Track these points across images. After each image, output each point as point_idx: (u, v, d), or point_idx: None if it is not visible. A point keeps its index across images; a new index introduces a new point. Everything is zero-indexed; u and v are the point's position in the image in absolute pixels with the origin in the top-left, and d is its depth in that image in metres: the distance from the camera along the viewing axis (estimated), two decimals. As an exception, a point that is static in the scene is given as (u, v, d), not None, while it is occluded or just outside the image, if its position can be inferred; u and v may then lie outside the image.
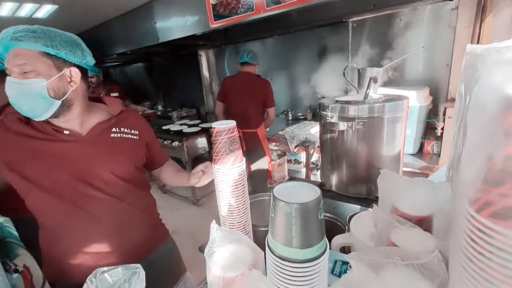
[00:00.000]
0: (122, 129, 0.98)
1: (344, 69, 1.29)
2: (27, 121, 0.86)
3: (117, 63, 6.26)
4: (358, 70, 1.21)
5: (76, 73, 0.85)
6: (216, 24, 2.41)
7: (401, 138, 1.17)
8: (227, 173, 0.72)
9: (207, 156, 3.53)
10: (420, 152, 2.13)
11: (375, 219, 0.55)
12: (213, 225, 0.53)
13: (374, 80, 1.06)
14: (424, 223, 0.55)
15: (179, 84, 5.04)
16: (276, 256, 0.37)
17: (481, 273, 0.29)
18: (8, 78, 0.77)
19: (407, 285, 0.36)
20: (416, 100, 1.91)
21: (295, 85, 3.51)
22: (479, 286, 0.29)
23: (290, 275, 0.37)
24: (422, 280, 0.37)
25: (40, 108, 0.80)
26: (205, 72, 4.38)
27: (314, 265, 0.36)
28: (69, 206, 0.86)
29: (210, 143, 3.56)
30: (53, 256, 0.93)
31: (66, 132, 0.87)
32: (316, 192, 0.37)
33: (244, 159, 0.75)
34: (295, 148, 2.76)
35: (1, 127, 0.84)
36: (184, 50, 4.39)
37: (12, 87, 0.77)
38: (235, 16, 2.23)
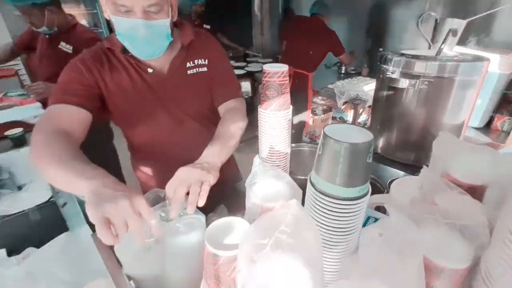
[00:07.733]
0: (196, 62, 0.91)
1: (419, 18, 1.12)
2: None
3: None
4: (436, 19, 1.05)
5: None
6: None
7: (469, 106, 1.05)
8: (273, 116, 0.73)
9: (250, 101, 3.46)
10: (487, 127, 1.89)
11: (421, 181, 0.53)
12: (256, 159, 0.56)
13: (454, 33, 0.92)
14: (475, 193, 0.52)
15: (226, 21, 4.69)
16: (317, 191, 0.39)
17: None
18: (135, 20, 0.70)
19: (445, 240, 0.36)
20: (497, 66, 1.63)
21: (352, 35, 3.14)
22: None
23: (328, 210, 0.39)
24: (461, 240, 0.36)
25: (162, 48, 0.79)
26: (256, 10, 4.06)
27: (353, 204, 0.38)
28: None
29: (253, 88, 3.49)
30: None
31: (149, 70, 0.84)
32: (369, 136, 0.36)
33: (291, 106, 0.74)
34: (343, 104, 2.63)
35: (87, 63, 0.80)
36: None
37: (140, 29, 0.70)
38: None
